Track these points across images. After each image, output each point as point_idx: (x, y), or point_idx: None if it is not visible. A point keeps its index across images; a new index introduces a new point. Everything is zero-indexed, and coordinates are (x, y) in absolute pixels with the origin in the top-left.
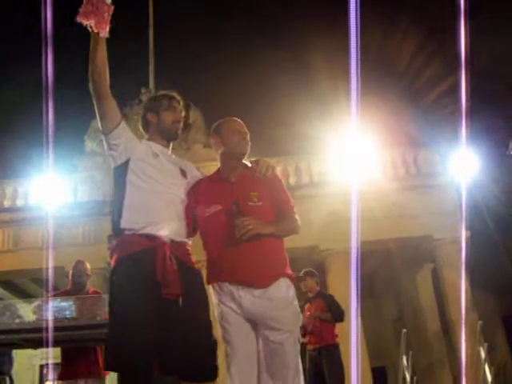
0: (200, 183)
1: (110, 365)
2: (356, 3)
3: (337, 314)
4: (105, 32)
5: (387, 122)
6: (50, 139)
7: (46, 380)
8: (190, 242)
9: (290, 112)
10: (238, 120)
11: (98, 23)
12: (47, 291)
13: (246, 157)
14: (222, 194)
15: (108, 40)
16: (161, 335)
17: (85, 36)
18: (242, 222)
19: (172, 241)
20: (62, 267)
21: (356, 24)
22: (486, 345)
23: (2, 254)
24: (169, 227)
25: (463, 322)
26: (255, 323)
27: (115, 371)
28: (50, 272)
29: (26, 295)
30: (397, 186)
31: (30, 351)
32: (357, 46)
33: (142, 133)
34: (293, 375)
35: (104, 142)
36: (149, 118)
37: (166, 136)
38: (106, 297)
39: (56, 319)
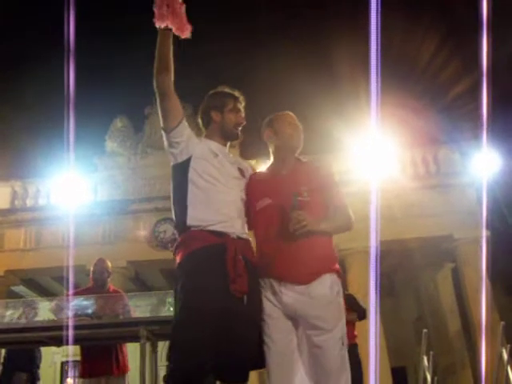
0: (252, 178)
1: (174, 358)
2: (377, 1)
3: (360, 312)
4: (187, 32)
5: (407, 121)
6: (72, 139)
7: (67, 377)
8: (250, 239)
9: (310, 111)
10: (290, 113)
11: (179, 27)
12: (67, 289)
13: (298, 151)
14: (272, 187)
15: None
16: (226, 333)
17: (106, 35)
18: (297, 216)
19: (238, 238)
20: (83, 265)
21: (376, 22)
22: (508, 346)
23: (24, 252)
24: (235, 225)
25: (483, 322)
26: (297, 321)
27: (177, 366)
28: (71, 270)
29: (48, 293)
30: (417, 185)
31: (52, 348)
32: (377, 44)
33: (202, 129)
34: (336, 379)
35: (165, 140)
36: (213, 115)
37: (227, 137)
38: (127, 295)
39: (78, 317)
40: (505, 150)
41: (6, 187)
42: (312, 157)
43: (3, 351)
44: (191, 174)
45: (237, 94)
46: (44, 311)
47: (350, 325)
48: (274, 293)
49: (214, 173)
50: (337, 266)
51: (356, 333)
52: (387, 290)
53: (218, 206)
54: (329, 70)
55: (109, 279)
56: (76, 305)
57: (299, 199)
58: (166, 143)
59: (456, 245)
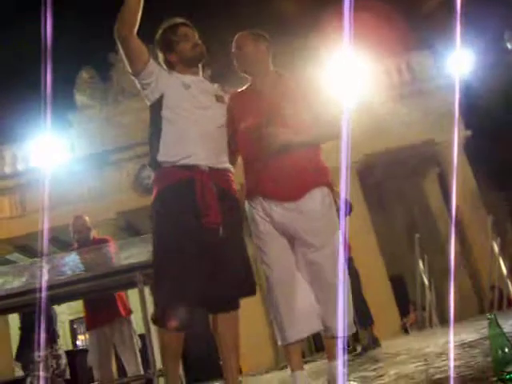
0: (232, 99)
1: (157, 298)
2: None
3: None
4: None
5: (380, 29)
6: (48, 98)
7: (78, 334)
8: (232, 169)
9: (282, 25)
10: (242, 33)
11: None
12: (42, 254)
13: (261, 66)
14: (253, 105)
15: None
16: (204, 266)
17: None
18: (269, 132)
19: (211, 169)
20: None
21: None
22: (498, 239)
23: (12, 219)
24: (207, 156)
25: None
26: (291, 238)
27: (162, 304)
28: (45, 234)
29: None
30: (393, 94)
31: (58, 308)
32: None
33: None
34: (337, 292)
35: (137, 84)
36: (170, 58)
37: (192, 62)
38: (117, 242)
39: (65, 274)
40: (480, 48)
41: None
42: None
43: (18, 316)
44: (164, 111)
45: (177, 21)
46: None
47: None
48: (265, 210)
49: (186, 105)
50: (328, 178)
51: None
52: (376, 202)
53: (190, 139)
54: None
55: (90, 234)
56: (66, 264)
57: (282, 114)
58: (138, 86)
59: (439, 149)
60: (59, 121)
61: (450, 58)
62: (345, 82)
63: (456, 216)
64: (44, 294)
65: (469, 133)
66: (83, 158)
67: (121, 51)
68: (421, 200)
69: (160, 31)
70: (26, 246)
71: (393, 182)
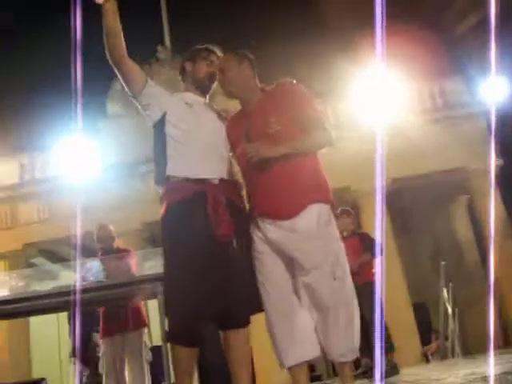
0: (228, 124)
1: (169, 312)
2: None
3: (375, 250)
4: None
5: (413, 54)
6: (79, 104)
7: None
8: (239, 181)
9: (313, 52)
10: (225, 56)
11: None
12: (77, 258)
13: (245, 89)
14: (245, 128)
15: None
16: (217, 280)
17: None
18: (244, 150)
19: (221, 181)
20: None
21: None
22: None
23: (39, 224)
24: (214, 169)
25: (492, 236)
26: (287, 258)
27: (172, 318)
28: (79, 239)
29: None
30: (425, 120)
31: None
32: None
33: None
34: (335, 315)
35: (137, 105)
36: (186, 66)
37: (199, 87)
38: (139, 253)
39: (89, 281)
40: None
41: (14, 162)
42: (316, 99)
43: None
44: (167, 128)
45: (214, 48)
46: (62, 277)
47: (368, 263)
48: (260, 229)
49: (189, 122)
50: (328, 195)
51: (374, 271)
52: (403, 227)
53: (196, 153)
54: (329, 3)
55: (114, 244)
56: (88, 270)
57: (269, 131)
58: (139, 108)
59: (469, 176)
60: (90, 128)
61: (484, 84)
62: (377, 105)
63: (484, 246)
64: (72, 298)
65: (501, 162)
66: (112, 166)
67: (118, 75)
68: (448, 227)
69: (198, 45)
70: (50, 251)
71: (420, 207)
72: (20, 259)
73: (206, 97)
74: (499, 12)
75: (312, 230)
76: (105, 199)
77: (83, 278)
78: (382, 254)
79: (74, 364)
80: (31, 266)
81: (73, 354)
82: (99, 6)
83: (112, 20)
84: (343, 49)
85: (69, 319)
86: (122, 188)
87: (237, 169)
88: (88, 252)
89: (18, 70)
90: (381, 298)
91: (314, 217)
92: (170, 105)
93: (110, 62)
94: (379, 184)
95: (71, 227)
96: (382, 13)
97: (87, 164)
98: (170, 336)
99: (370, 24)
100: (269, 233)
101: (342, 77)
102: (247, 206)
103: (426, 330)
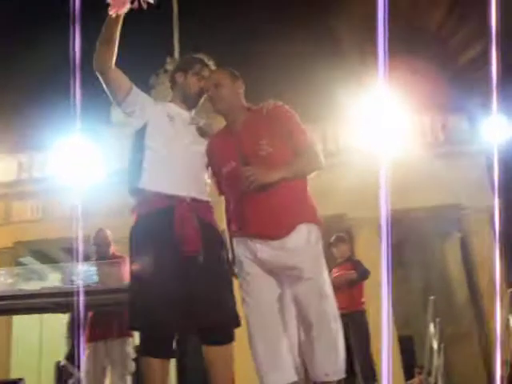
0: (212, 143)
1: (133, 324)
2: None
3: (362, 272)
4: (122, 10)
5: (416, 88)
6: (78, 105)
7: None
8: (210, 201)
9: (315, 78)
10: (218, 71)
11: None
12: (77, 260)
13: (234, 106)
14: (233, 148)
15: (132, 11)
16: (182, 293)
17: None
18: (243, 173)
19: (192, 199)
20: (89, 236)
21: None
22: None
23: (32, 223)
24: (188, 187)
25: (497, 290)
26: (277, 277)
27: (138, 331)
28: (80, 241)
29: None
30: (425, 154)
31: (61, 319)
32: (385, 8)
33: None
34: (318, 331)
35: (122, 112)
36: (177, 77)
37: (186, 102)
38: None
39: (77, 285)
40: None
41: (12, 159)
42: (318, 125)
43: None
44: (147, 140)
45: (208, 61)
46: (51, 278)
47: (357, 290)
48: (250, 250)
49: (167, 137)
50: (314, 215)
51: (364, 299)
52: (395, 260)
53: (172, 169)
54: (334, 35)
55: (110, 249)
56: (78, 274)
57: (260, 154)
58: (123, 115)
59: (464, 214)
60: (92, 133)
61: (486, 124)
62: (377, 133)
63: (474, 284)
64: (60, 300)
65: (499, 202)
66: (112, 172)
67: (103, 83)
68: (440, 262)
69: (194, 55)
70: (40, 251)
71: (414, 240)
72: (9, 257)
73: (191, 111)
74: (501, 44)
75: (302, 247)
76: (102, 204)
77: (71, 281)
78: (366, 278)
79: (64, 367)
80: (19, 264)
81: (69, 357)
82: (100, 10)
83: (114, 29)
84: (345, 75)
85: (68, 322)
86: (121, 194)
87: (209, 188)
88: (82, 255)
89: (18, 69)
90: (367, 329)
91: (304, 235)
92: (153, 115)
93: (96, 68)
94: (384, 213)
95: (64, 229)
96: (385, 44)
97: (87, 168)
98: (140, 347)
99: (374, 53)
100: (258, 252)
101: (343, 103)
102: (228, 225)
103: (410, 364)
